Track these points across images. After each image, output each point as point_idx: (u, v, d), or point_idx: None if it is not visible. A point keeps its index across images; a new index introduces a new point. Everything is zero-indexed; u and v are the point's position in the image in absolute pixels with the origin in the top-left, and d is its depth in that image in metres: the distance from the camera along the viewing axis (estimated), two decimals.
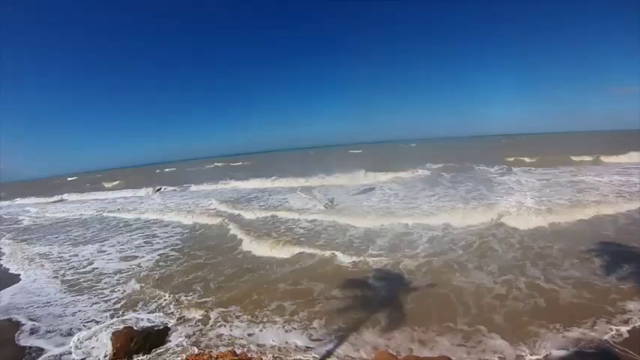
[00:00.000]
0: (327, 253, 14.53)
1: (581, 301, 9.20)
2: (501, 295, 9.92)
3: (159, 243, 19.64)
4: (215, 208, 27.11)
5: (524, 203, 19.13)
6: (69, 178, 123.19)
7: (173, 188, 44.22)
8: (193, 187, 43.34)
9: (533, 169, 34.65)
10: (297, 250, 15.41)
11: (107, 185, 66.78)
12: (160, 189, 44.07)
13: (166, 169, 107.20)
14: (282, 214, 22.10)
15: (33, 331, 10.59)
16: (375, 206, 22.07)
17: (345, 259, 13.80)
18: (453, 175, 33.07)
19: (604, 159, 37.22)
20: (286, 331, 9.17)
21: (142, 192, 45.11)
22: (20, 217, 35.45)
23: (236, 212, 24.49)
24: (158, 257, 16.93)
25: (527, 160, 40.60)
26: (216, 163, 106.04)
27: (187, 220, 24.46)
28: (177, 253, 17.27)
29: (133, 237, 21.59)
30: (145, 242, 20.07)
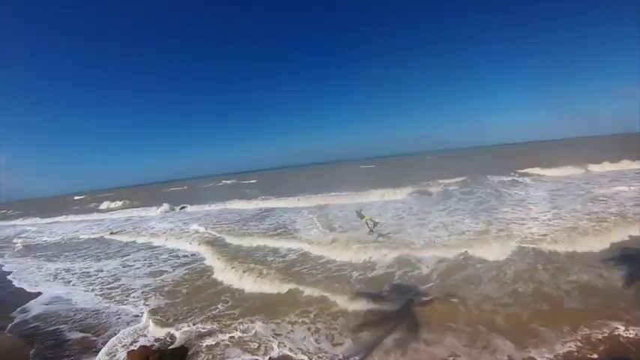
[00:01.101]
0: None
1: None
2: None
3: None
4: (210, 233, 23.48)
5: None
6: (75, 197, 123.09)
7: (194, 208, 40.87)
8: (192, 208, 40.57)
9: (546, 179, 31.56)
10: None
11: (112, 205, 65.09)
12: (184, 207, 41.43)
13: (174, 188, 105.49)
14: (272, 244, 18.42)
15: None
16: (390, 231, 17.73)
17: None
18: (468, 190, 28.99)
19: (617, 165, 33.55)
20: None
21: (144, 212, 43.01)
22: (18, 239, 33.58)
23: (229, 239, 20.91)
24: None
25: (543, 170, 36.47)
26: (224, 181, 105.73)
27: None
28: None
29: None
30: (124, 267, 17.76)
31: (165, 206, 41.08)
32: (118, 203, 65.77)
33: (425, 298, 10.00)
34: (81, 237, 29.75)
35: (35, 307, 13.65)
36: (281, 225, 22.96)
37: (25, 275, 18.79)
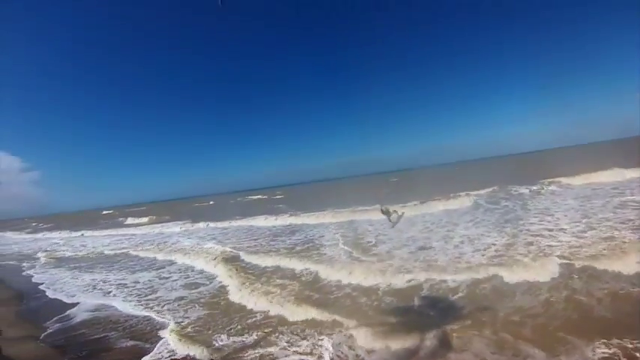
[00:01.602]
0: None
1: None
2: None
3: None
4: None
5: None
6: (104, 212, 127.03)
7: (218, 224, 41.14)
8: (217, 224, 40.71)
9: (574, 187, 30.84)
10: None
11: (137, 220, 67.42)
12: (208, 223, 41.77)
13: (199, 204, 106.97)
14: (293, 264, 17.86)
15: None
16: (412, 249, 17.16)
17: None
18: (498, 201, 28.69)
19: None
20: None
21: (168, 228, 43.73)
22: (43, 252, 34.46)
23: (251, 258, 20.59)
24: None
25: (569, 178, 34.74)
26: (250, 197, 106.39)
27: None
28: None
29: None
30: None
31: (190, 222, 42.19)
32: (144, 219, 67.87)
33: (453, 326, 9.58)
34: (105, 252, 30.66)
35: (72, 317, 14.29)
36: (305, 242, 23.05)
37: (60, 286, 19.65)
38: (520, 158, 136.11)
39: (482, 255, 14.94)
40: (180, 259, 22.91)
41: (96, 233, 50.45)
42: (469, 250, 15.87)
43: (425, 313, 10.70)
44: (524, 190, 32.00)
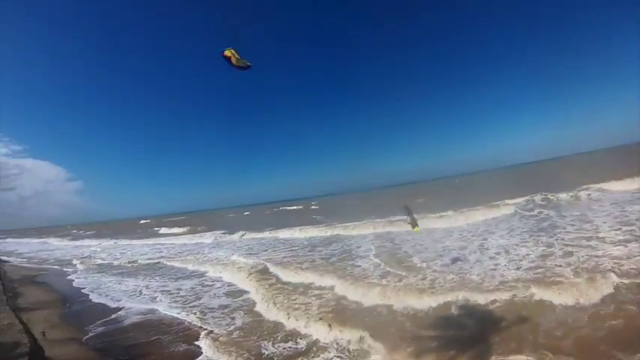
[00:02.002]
0: None
1: None
2: None
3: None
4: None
5: None
6: (141, 221, 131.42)
7: (252, 235, 41.00)
8: (251, 235, 40.63)
9: (614, 193, 28.51)
10: None
11: (172, 230, 68.45)
12: (244, 234, 41.77)
13: (232, 214, 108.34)
14: (324, 281, 16.37)
15: None
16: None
17: None
18: (540, 210, 26.39)
19: None
20: None
21: (201, 238, 44.16)
22: (78, 259, 35.62)
23: (281, 272, 19.46)
24: None
25: (608, 184, 32.05)
26: (284, 207, 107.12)
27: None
28: None
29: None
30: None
31: (225, 232, 42.40)
32: (179, 229, 69.10)
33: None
34: (139, 261, 30.99)
35: (116, 321, 14.39)
36: (342, 253, 22.18)
37: (103, 291, 20.02)
38: (547, 164, 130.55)
39: (523, 269, 13.53)
40: (216, 270, 22.55)
41: (134, 242, 51.99)
42: (505, 263, 14.63)
43: (457, 338, 9.48)
44: (563, 196, 29.91)
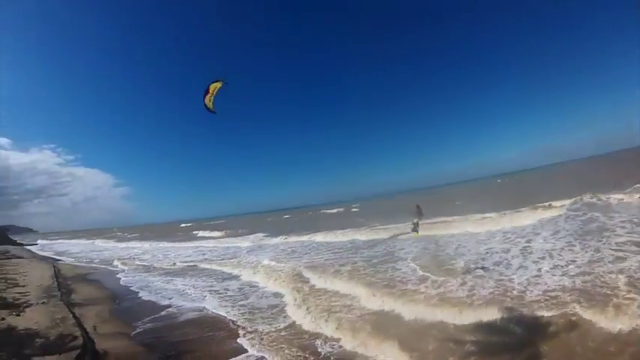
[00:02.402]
0: None
1: None
2: None
3: None
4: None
5: None
6: (182, 225, 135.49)
7: (293, 238, 40.39)
8: (292, 238, 40.17)
9: None
10: None
11: (211, 234, 69.51)
12: (287, 237, 41.10)
13: (271, 218, 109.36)
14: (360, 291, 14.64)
15: None
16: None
17: None
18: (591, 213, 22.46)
19: None
20: None
21: (239, 242, 44.26)
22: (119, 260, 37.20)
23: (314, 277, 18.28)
24: None
25: None
26: (324, 210, 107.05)
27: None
28: None
29: None
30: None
31: (267, 235, 42.34)
32: (218, 233, 69.86)
33: None
34: (177, 264, 31.12)
35: (165, 317, 14.59)
36: (384, 255, 20.94)
37: (153, 289, 20.45)
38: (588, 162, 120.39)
39: (568, 276, 11.59)
40: (256, 272, 22.02)
41: (176, 244, 53.19)
42: (548, 269, 12.77)
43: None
44: (616, 195, 26.20)
